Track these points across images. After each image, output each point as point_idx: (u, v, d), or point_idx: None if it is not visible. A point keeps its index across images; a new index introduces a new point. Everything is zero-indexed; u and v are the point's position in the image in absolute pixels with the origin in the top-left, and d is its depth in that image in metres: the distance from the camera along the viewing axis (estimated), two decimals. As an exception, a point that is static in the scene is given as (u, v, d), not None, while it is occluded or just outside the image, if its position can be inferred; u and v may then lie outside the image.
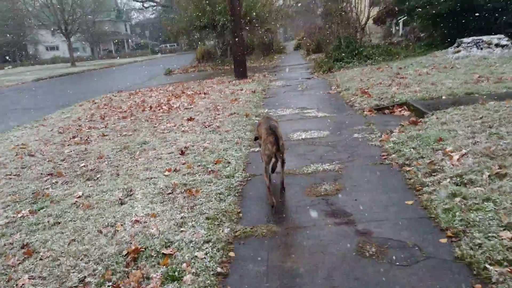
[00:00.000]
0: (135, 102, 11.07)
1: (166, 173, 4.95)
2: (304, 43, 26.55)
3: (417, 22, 14.57)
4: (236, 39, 13.60)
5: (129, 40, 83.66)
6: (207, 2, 21.22)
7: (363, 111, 7.21)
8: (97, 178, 5.06)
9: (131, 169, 5.23)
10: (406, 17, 17.17)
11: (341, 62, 13.28)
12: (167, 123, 7.77)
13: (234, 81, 13.46)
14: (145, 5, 75.46)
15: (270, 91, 11.12)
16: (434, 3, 12.03)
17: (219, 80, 14.17)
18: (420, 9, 12.51)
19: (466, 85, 7.36)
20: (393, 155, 4.75)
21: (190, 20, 22.14)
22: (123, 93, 13.87)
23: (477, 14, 11.68)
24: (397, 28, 22.98)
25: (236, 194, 4.17)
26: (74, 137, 7.45)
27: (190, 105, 9.53)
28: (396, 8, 17.19)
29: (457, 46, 10.66)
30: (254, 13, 22.20)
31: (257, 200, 4.06)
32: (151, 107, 9.71)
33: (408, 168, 4.26)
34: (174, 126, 7.45)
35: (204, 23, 22.02)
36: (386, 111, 7.08)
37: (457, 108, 5.83)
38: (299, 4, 35.82)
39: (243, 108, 8.45)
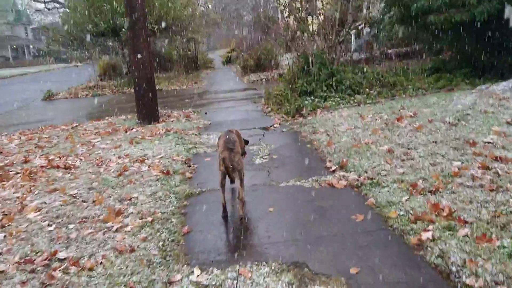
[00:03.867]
0: None
1: None
2: (238, 59, 21.43)
3: (419, 34, 10.11)
4: (139, 56, 7.96)
5: (30, 46, 72.89)
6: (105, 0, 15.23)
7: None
8: None
9: None
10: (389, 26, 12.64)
11: (313, 97, 8.20)
12: None
13: (135, 129, 7.81)
14: (48, 6, 65.88)
15: (200, 164, 5.61)
16: (459, 5, 7.56)
17: (110, 125, 8.37)
18: (433, 16, 7.97)
19: None
20: None
21: (81, 24, 15.92)
22: None
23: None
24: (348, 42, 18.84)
25: None
26: None
27: (5, 224, 3.81)
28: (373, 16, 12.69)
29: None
30: (172, 17, 16.59)
31: None
32: None
33: None
34: None
35: (103, 28, 15.94)
36: None
37: None
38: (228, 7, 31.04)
39: (134, 266, 2.94)
